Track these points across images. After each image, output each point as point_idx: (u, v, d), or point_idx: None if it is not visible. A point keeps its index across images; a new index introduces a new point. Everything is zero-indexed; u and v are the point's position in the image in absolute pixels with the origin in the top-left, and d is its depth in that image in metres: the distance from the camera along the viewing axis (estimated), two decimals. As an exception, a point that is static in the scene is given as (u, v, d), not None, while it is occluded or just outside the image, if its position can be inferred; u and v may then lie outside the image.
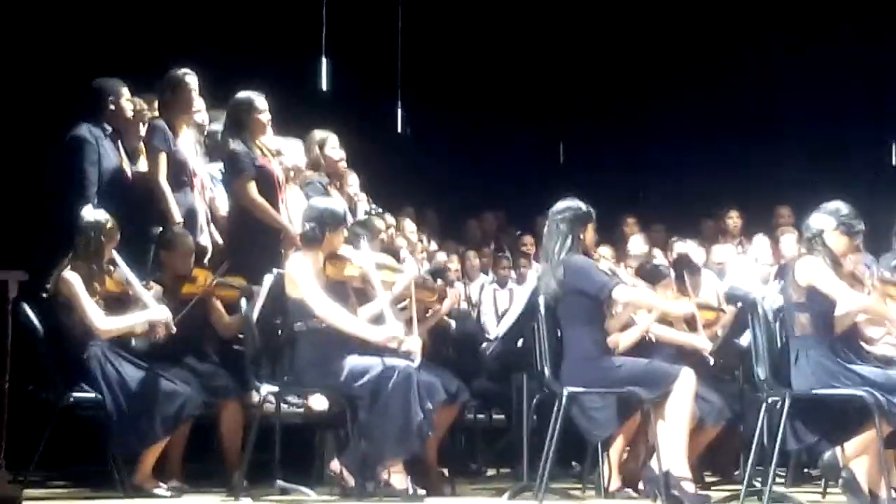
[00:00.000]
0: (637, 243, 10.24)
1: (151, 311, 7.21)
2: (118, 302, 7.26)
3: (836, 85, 12.26)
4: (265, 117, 8.14)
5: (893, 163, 12.61)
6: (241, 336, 7.41)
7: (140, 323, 7.23)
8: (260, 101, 8.12)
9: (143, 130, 8.20)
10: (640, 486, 7.41)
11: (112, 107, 8.10)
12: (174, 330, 7.28)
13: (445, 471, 7.71)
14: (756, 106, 12.83)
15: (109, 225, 7.23)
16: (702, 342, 7.86)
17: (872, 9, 12.15)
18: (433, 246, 10.78)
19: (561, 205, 7.27)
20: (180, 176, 7.99)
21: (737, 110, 12.79)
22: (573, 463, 8.57)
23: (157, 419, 7.04)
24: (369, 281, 7.23)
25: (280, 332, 7.29)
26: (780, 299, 6.98)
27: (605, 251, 9.24)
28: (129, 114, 8.20)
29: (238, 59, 10.00)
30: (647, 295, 7.59)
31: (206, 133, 8.56)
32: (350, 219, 7.99)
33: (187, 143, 8.09)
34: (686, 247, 9.60)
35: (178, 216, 7.83)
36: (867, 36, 12.22)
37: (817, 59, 12.31)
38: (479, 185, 12.85)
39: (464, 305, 9.43)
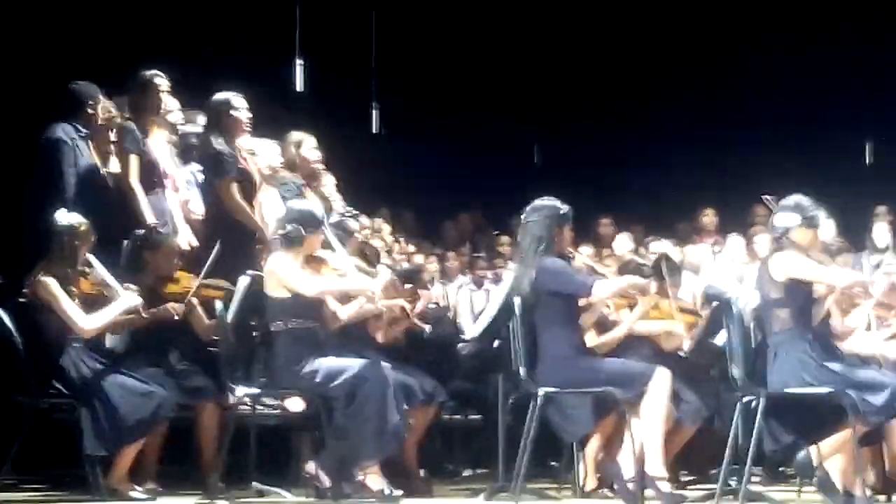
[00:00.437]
0: (623, 242, 10.24)
1: (123, 300, 7.16)
2: (94, 303, 7.23)
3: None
4: (245, 117, 8.14)
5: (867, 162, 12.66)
6: (217, 338, 7.40)
7: (120, 313, 7.18)
8: (240, 101, 8.13)
9: (113, 134, 8.17)
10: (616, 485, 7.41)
11: (90, 111, 8.08)
12: (145, 315, 7.25)
13: (422, 472, 7.71)
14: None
15: (83, 228, 7.20)
16: (676, 327, 7.87)
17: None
18: (410, 247, 10.77)
19: (537, 204, 7.17)
20: (152, 177, 7.97)
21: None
22: (551, 462, 8.55)
23: (132, 421, 7.00)
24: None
25: (255, 333, 7.28)
26: (756, 298, 6.97)
27: (586, 250, 9.23)
28: (104, 118, 8.18)
29: (213, 60, 9.99)
30: (623, 281, 7.46)
31: (179, 134, 8.53)
32: (327, 221, 7.98)
33: (159, 145, 8.08)
34: (662, 246, 9.59)
35: (150, 218, 7.80)
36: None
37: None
38: (455, 185, 12.82)
39: (440, 305, 9.41)
